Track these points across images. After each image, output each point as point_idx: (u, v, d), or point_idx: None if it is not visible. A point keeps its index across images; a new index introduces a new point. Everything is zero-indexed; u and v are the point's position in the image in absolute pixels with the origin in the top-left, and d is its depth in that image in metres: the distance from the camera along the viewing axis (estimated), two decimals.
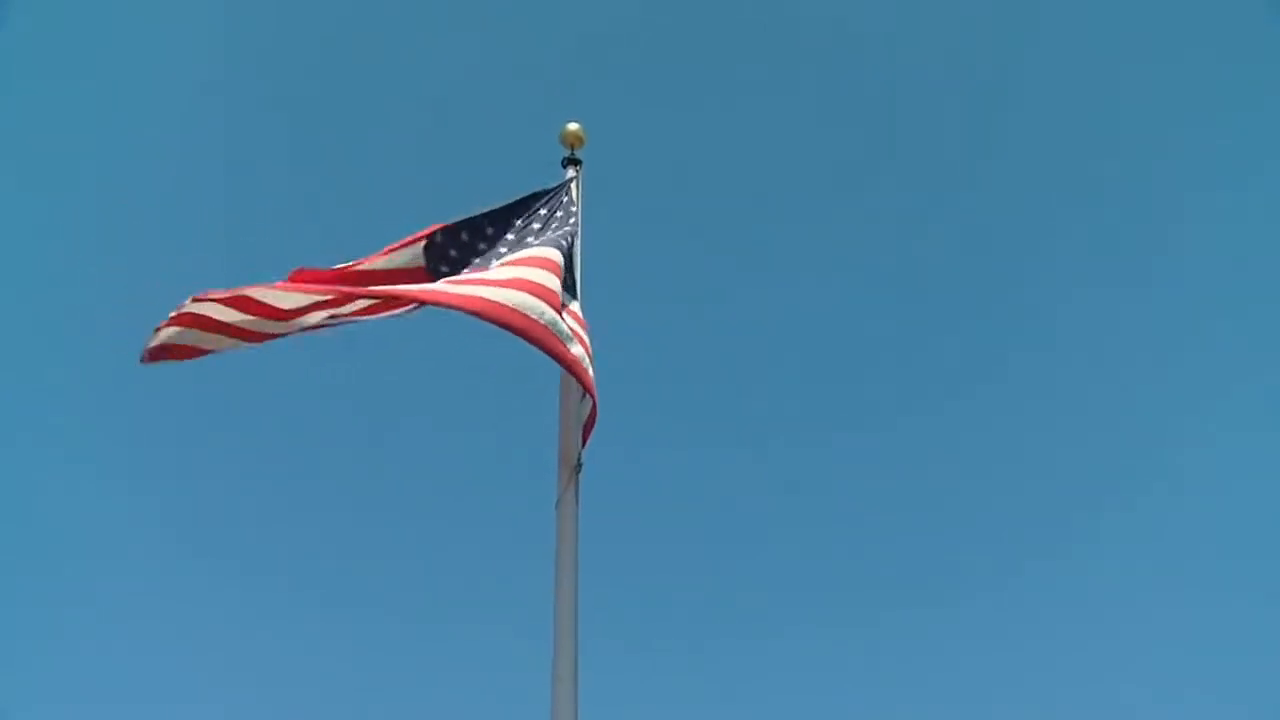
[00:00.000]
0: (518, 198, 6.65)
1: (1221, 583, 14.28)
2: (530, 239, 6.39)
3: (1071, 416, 16.77)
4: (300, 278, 6.25)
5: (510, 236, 6.48)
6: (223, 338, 6.00)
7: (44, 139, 15.60)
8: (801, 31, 18.15)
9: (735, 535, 16.23)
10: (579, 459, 5.71)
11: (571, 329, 5.74)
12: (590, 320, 6.09)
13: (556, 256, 6.03)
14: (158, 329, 5.88)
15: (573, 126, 6.80)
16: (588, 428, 5.89)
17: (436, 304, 5.70)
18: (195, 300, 5.83)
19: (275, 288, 5.92)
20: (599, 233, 6.74)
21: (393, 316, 6.23)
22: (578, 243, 6.46)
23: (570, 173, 6.76)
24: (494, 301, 5.50)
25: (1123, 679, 13.86)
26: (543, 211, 6.57)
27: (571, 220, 6.49)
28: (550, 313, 5.56)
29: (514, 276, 5.79)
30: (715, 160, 18.57)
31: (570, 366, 5.57)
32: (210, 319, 5.90)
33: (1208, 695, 13.09)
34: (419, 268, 6.50)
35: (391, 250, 6.51)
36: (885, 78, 18.09)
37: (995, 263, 17.82)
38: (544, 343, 5.47)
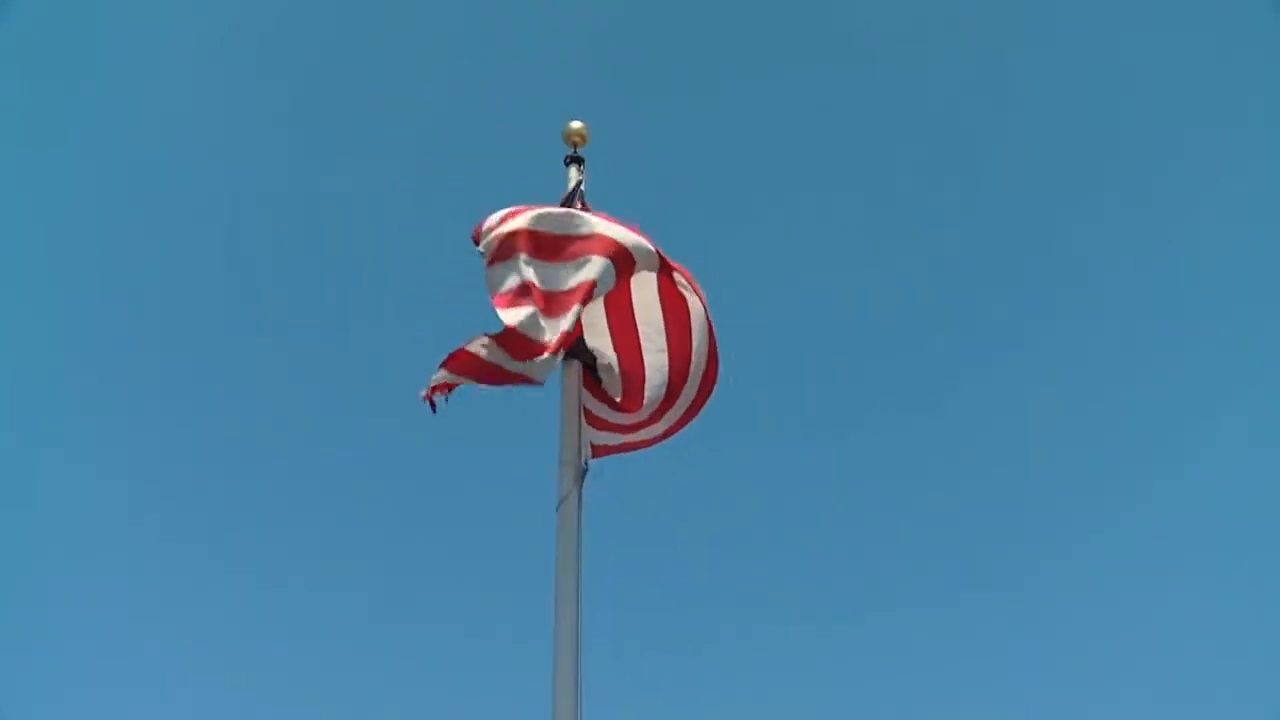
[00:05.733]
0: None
1: (1234, 581, 14.26)
2: None
3: (1074, 416, 16.78)
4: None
5: None
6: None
7: (44, 138, 15.60)
8: (806, 24, 18.13)
9: (740, 537, 16.21)
10: (585, 463, 5.62)
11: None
12: None
13: None
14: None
15: (576, 124, 6.72)
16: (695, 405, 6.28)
17: None
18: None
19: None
20: None
21: None
22: None
23: (573, 171, 6.68)
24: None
25: (1128, 679, 13.85)
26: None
27: None
28: None
29: None
30: (719, 157, 18.56)
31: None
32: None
33: (1211, 695, 13.08)
34: None
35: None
36: (891, 71, 18.08)
37: (997, 262, 17.81)
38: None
